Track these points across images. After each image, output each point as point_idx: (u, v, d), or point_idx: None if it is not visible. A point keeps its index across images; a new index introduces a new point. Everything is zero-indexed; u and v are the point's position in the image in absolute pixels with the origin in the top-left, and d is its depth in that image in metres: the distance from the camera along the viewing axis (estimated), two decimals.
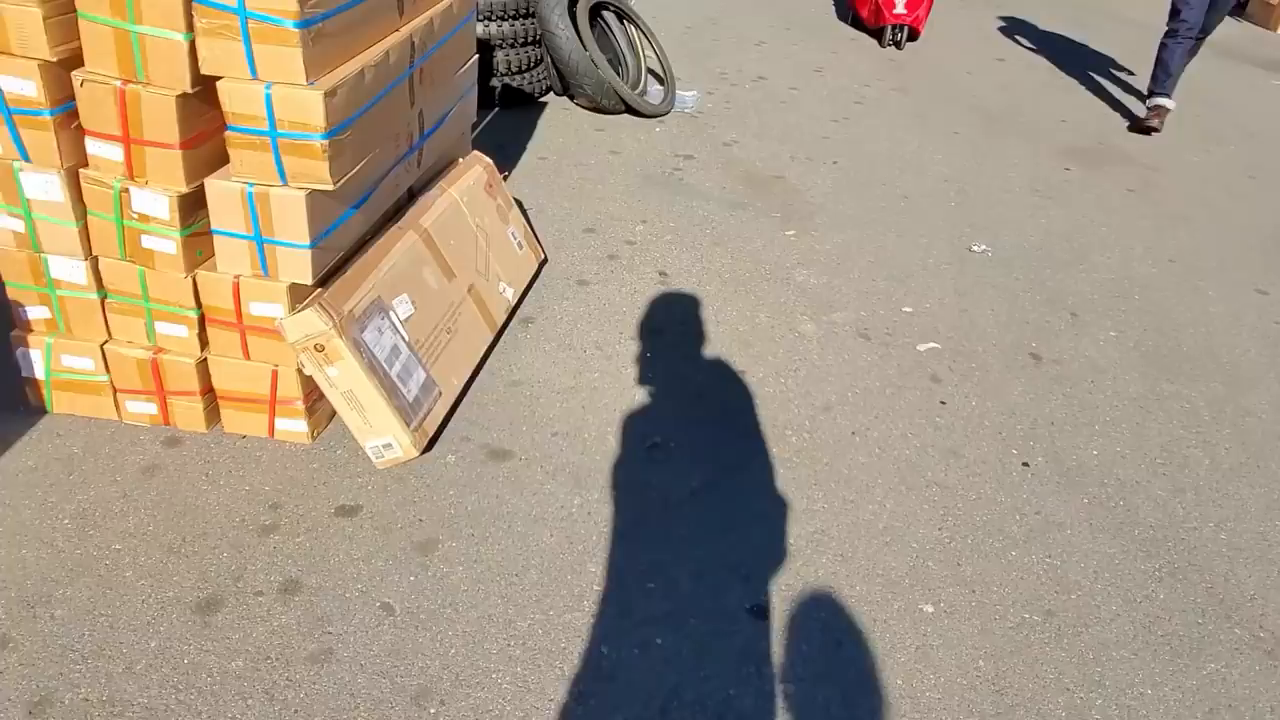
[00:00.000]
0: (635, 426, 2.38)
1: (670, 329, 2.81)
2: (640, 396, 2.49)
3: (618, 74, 4.43)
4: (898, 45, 5.78)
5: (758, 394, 2.54)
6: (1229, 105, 5.64)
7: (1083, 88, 5.56)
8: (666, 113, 4.49)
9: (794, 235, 3.44)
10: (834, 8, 7.01)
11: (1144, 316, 3.13)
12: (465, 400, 2.40)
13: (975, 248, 3.48)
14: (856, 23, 6.17)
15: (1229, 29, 7.73)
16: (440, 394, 2.26)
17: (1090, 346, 2.92)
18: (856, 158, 4.23)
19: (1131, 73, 5.74)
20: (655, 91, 4.63)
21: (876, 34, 5.87)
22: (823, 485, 2.24)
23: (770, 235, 3.43)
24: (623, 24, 4.71)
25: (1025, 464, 2.37)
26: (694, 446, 2.32)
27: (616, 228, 3.37)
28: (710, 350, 2.72)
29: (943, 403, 2.58)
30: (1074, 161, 4.45)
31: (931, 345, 2.84)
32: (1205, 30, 4.63)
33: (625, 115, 4.40)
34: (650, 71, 4.76)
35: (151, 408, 2.19)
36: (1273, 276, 3.51)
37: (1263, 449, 2.52)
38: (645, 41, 4.75)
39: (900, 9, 5.63)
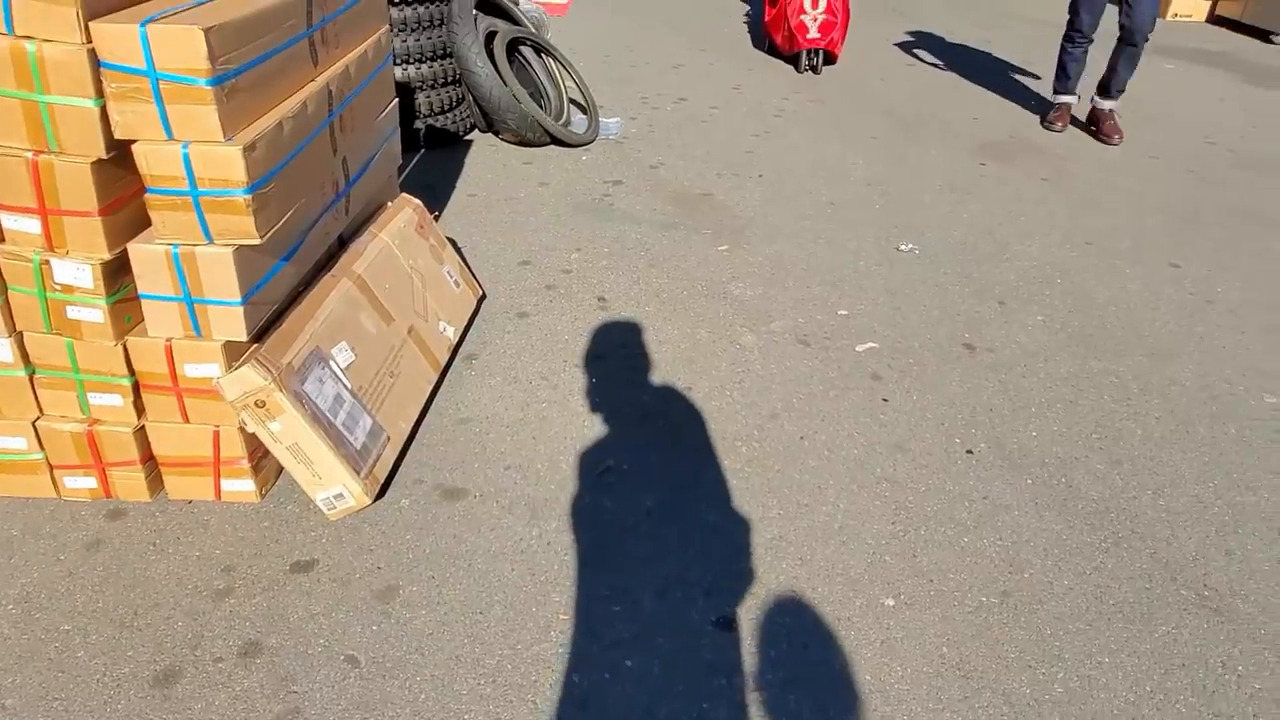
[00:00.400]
0: (586, 454, 2.39)
1: (613, 354, 2.83)
2: (589, 423, 2.50)
3: (540, 107, 4.47)
4: (814, 70, 5.81)
5: (704, 409, 2.57)
6: (1131, 92, 5.89)
7: (992, 88, 5.76)
8: (592, 141, 4.54)
9: (727, 250, 3.50)
10: (748, 31, 7.18)
11: (1067, 299, 3.24)
12: (414, 442, 2.39)
13: (902, 247, 3.58)
14: (772, 50, 6.20)
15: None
16: (388, 438, 2.25)
17: (1020, 333, 3.02)
18: (780, 170, 4.32)
19: (1037, 76, 5.97)
20: (579, 121, 4.69)
21: (792, 60, 5.90)
22: (776, 492, 2.27)
23: (704, 253, 3.48)
24: (541, 57, 4.76)
25: (969, 451, 2.44)
26: (646, 468, 2.34)
27: (552, 258, 3.39)
28: (654, 371, 2.75)
29: (885, 400, 2.64)
30: (988, 157, 4.60)
31: (869, 345, 2.91)
32: (1141, 33, 4.59)
33: (551, 147, 4.44)
34: (572, 102, 4.81)
35: (91, 481, 2.14)
36: (1184, 251, 3.66)
37: (1189, 415, 2.63)
38: (565, 72, 4.80)
39: (814, 34, 5.62)
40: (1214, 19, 8.12)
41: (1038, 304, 3.21)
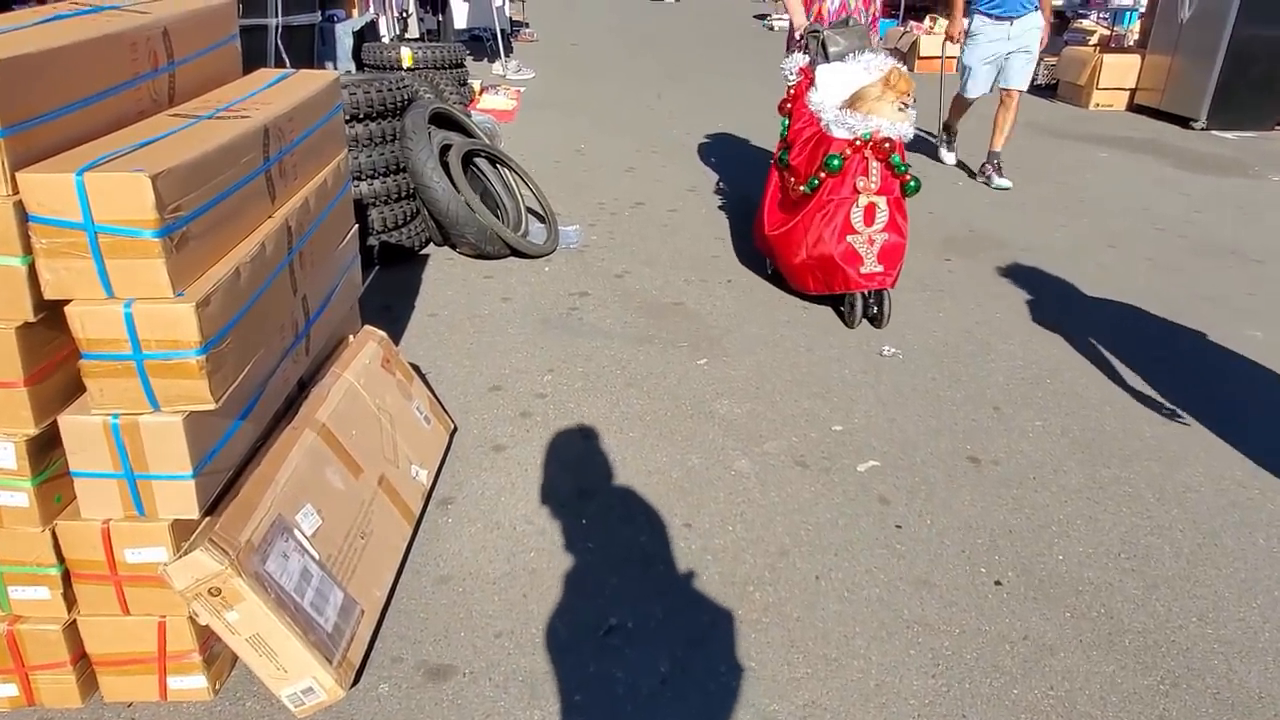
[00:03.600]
0: (586, 610, 2.14)
1: (601, 489, 2.61)
2: (584, 573, 2.26)
3: (498, 218, 4.33)
4: (875, 322, 3.64)
5: (708, 549, 2.36)
6: (1072, 180, 6.03)
7: (938, 179, 5.83)
8: (552, 251, 4.40)
9: (706, 364, 3.34)
10: (689, 132, 7.23)
11: (1060, 400, 3.14)
12: (390, 610, 2.11)
13: (885, 351, 3.46)
14: (776, 277, 4.03)
15: (1049, 111, 8.42)
16: (363, 613, 1.98)
17: (1021, 441, 2.89)
18: (749, 273, 4.22)
19: (972, 175, 6.07)
20: (538, 231, 4.56)
21: (835, 303, 3.77)
22: (799, 646, 2.05)
23: (683, 368, 3.31)
24: (496, 168, 4.65)
25: (998, 582, 2.26)
26: (654, 623, 2.10)
27: (523, 381, 3.18)
28: (648, 506, 2.53)
29: (898, 526, 2.46)
30: (952, 252, 4.59)
31: (871, 464, 2.74)
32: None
33: (511, 259, 4.28)
34: (530, 211, 4.69)
35: (11, 689, 1.82)
36: (1165, 342, 3.62)
37: (1213, 526, 2.50)
38: (520, 182, 4.69)
39: (872, 264, 3.48)
40: (1133, 107, 8.50)
41: (1032, 408, 3.09)
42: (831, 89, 3.58)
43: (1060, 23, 11.71)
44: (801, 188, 3.53)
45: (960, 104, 6.07)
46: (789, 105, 3.83)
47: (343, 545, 2.02)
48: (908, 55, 10.37)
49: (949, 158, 6.39)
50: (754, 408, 3.05)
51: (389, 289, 3.89)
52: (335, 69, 6.56)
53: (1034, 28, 5.51)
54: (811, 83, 3.67)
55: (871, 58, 3.60)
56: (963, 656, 2.02)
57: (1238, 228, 5.15)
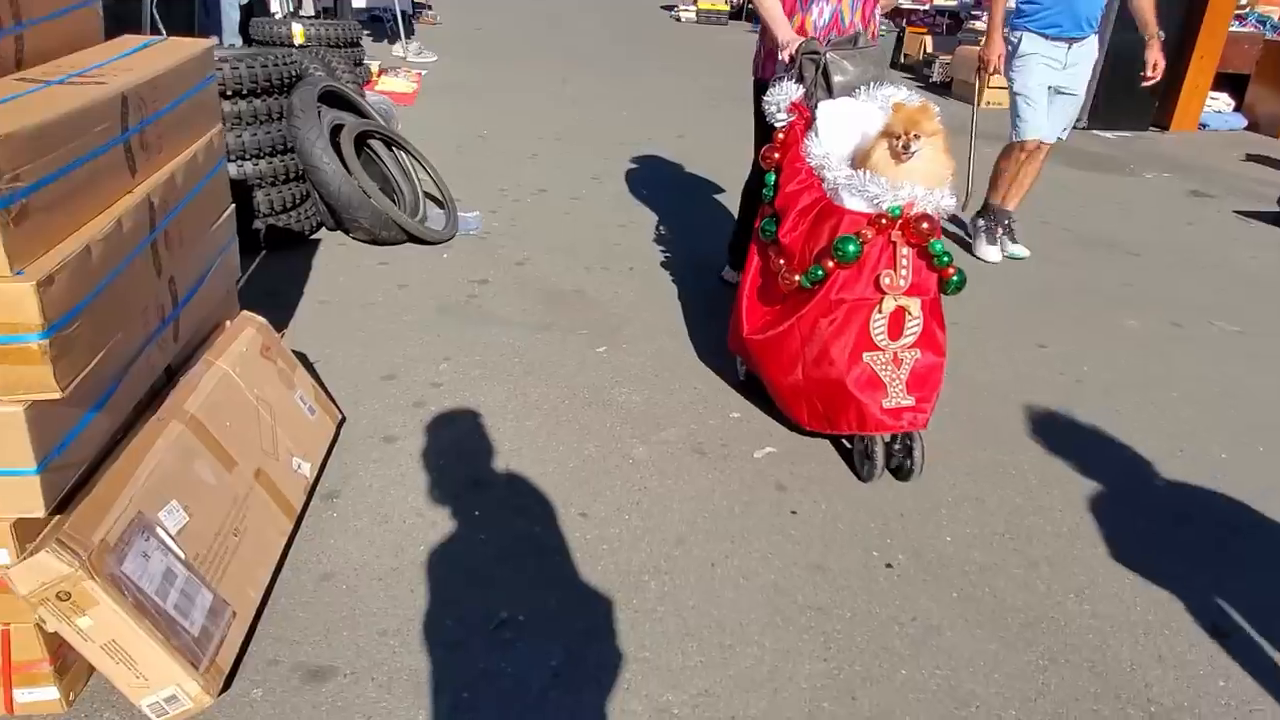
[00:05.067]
0: (476, 604, 2.07)
1: (496, 479, 2.54)
2: (476, 566, 2.19)
3: (395, 202, 4.19)
4: (901, 474, 2.61)
5: (604, 538, 2.32)
6: (963, 174, 6.21)
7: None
8: (451, 237, 4.29)
9: (605, 352, 3.30)
10: (594, 119, 7.18)
11: (950, 385, 3.20)
12: (267, 610, 2.00)
13: None
14: (752, 381, 3.00)
15: (942, 107, 8.68)
16: (234, 614, 1.86)
17: None
18: (651, 261, 4.20)
19: None
20: (436, 216, 4.43)
21: (839, 443, 2.78)
22: (694, 634, 2.03)
23: (582, 355, 3.26)
24: (392, 150, 4.50)
25: (889, 565, 2.29)
26: (547, 616, 2.05)
27: (418, 370, 3.08)
28: (544, 496, 2.47)
29: (794, 512, 2.47)
30: None
31: (768, 450, 2.75)
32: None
33: (408, 245, 4.15)
34: (428, 196, 4.56)
35: None
36: (1047, 331, 3.76)
37: (1091, 506, 2.60)
38: (418, 165, 4.55)
39: (902, 396, 2.48)
40: (977, 71, 8.82)
41: None
42: (838, 136, 2.59)
43: (954, 23, 12.12)
44: (798, 279, 2.45)
45: (1009, 161, 4.38)
46: (778, 156, 2.74)
47: (213, 544, 1.90)
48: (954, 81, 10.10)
49: (991, 253, 4.49)
50: (652, 395, 3.03)
51: (277, 274, 3.72)
52: (220, 43, 6.25)
53: (1089, 57, 4.23)
54: (809, 125, 2.67)
55: (892, 91, 2.60)
56: (854, 639, 2.04)
57: (1117, 222, 5.40)
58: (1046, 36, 4.14)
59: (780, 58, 2.90)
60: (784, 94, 2.79)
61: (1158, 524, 2.53)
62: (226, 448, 2.07)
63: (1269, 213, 5.60)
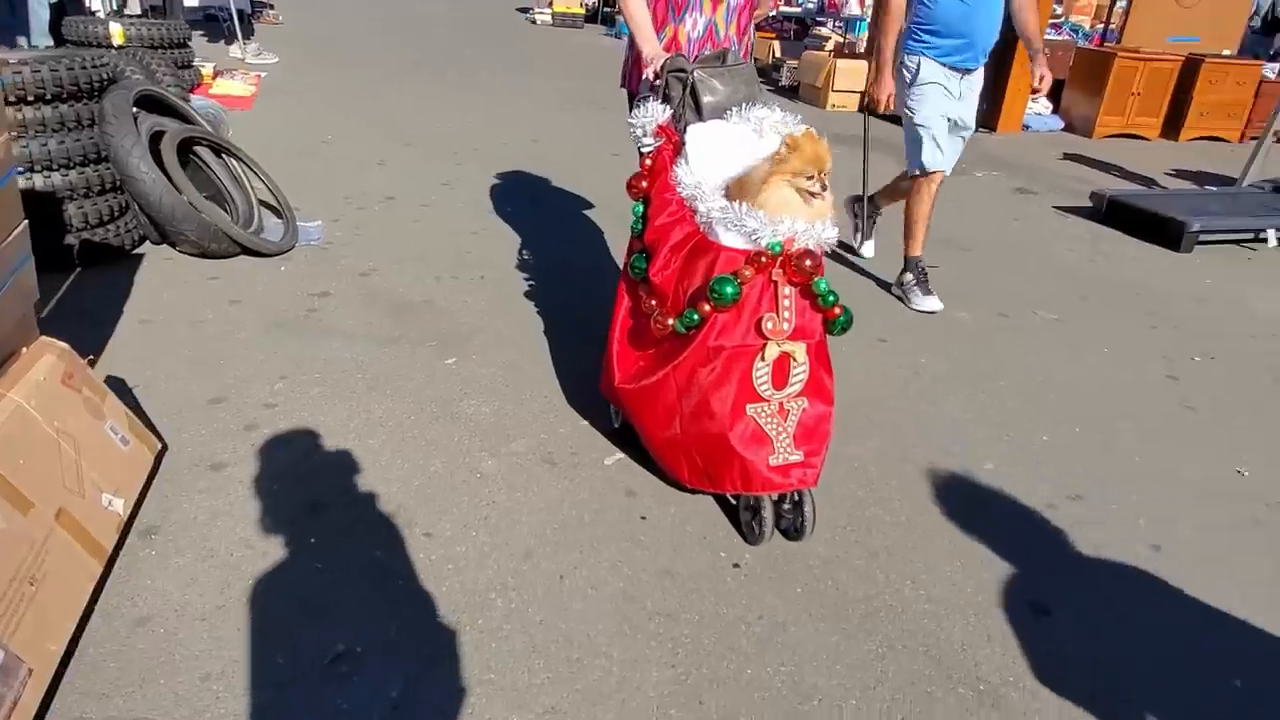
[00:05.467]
0: (310, 638, 1.97)
1: (335, 503, 2.42)
2: (311, 597, 2.08)
3: (227, 213, 3.96)
4: (790, 534, 2.40)
5: (449, 557, 2.25)
6: None
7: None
8: (291, 248, 4.09)
9: (455, 364, 3.22)
10: (446, 124, 7.04)
11: None
12: (74, 663, 1.84)
13: None
14: (629, 429, 2.69)
15: (790, 110, 8.97)
16: (30, 672, 1.70)
17: None
18: (504, 269, 4.13)
19: None
20: (274, 227, 4.22)
21: (726, 503, 2.52)
22: (541, 650, 1.99)
23: (430, 368, 3.17)
24: (220, 158, 4.26)
25: (736, 565, 2.32)
26: (387, 645, 1.97)
27: (251, 390, 2.91)
28: (386, 517, 2.38)
29: (643, 518, 2.47)
30: None
31: (619, 456, 2.74)
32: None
33: (243, 257, 3.94)
34: (264, 205, 4.34)
35: None
36: (884, 320, 3.92)
37: (924, 494, 2.71)
38: (250, 173, 4.32)
39: (790, 452, 2.25)
40: (864, 108, 9.22)
41: None
42: (709, 162, 2.38)
43: (800, 28, 12.55)
44: (672, 323, 2.24)
45: (920, 199, 4.15)
46: (644, 184, 2.53)
47: (4, 594, 1.72)
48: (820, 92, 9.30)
49: (930, 303, 4.15)
50: (502, 406, 2.97)
51: (93, 293, 3.45)
52: (28, 44, 5.76)
53: (979, 87, 4.06)
54: (678, 151, 2.46)
55: (766, 114, 2.45)
56: (701, 642, 2.05)
57: (952, 220, 5.69)
58: (944, 65, 3.90)
59: (645, 75, 2.65)
60: (649, 115, 2.54)
61: (986, 507, 2.67)
62: (20, 488, 1.89)
63: (1083, 208, 6.04)
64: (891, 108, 4.04)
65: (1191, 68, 9.03)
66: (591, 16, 15.67)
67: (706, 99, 2.52)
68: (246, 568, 2.16)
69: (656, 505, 2.53)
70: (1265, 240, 5.56)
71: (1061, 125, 9.27)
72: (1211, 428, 3.25)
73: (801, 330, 2.20)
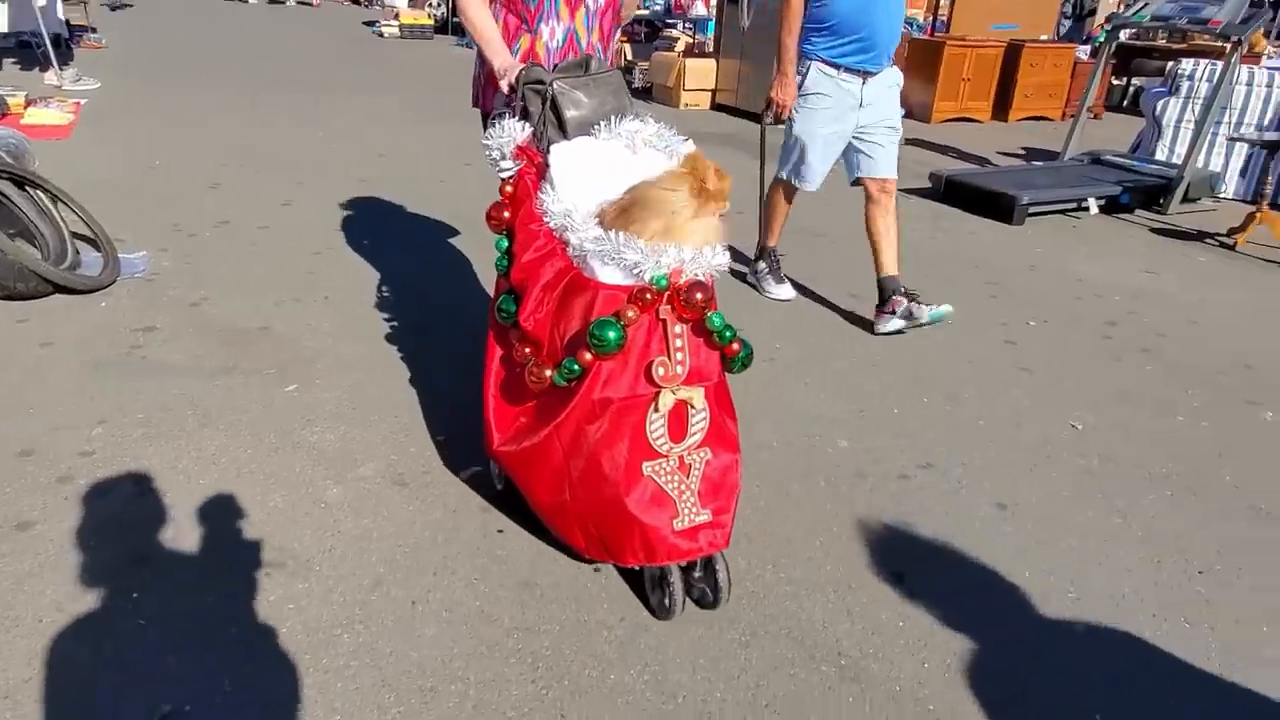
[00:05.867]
0: (133, 703, 1.80)
1: (161, 552, 2.24)
2: (135, 659, 1.91)
3: (36, 249, 3.65)
4: (703, 603, 2.14)
5: (290, 597, 2.11)
6: None
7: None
8: (111, 282, 3.81)
9: (296, 391, 3.05)
10: (287, 143, 6.76)
11: None
12: None
13: None
14: (512, 490, 2.36)
15: (644, 111, 9.04)
16: None
17: None
18: (350, 288, 3.97)
19: None
20: (92, 261, 3.92)
21: (631, 575, 2.22)
22: (392, 683, 1.88)
23: (268, 397, 2.99)
24: (25, 190, 3.92)
25: (596, 569, 2.26)
26: (219, 700, 1.82)
27: (64, 439, 2.67)
28: (220, 561, 2.21)
29: (500, 531, 2.39)
30: None
31: (474, 470, 2.64)
32: None
33: (57, 296, 3.64)
34: (80, 238, 4.02)
35: None
36: (745, 316, 3.96)
37: (782, 476, 2.73)
38: (62, 205, 4.00)
39: (698, 513, 2.01)
40: (716, 106, 9.40)
41: None
42: (579, 186, 2.12)
43: (651, 30, 12.67)
44: (549, 375, 1.97)
45: (779, 201, 4.10)
46: (506, 215, 2.26)
47: None
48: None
49: (782, 290, 4.17)
50: (349, 431, 2.83)
51: None
52: None
53: (893, 86, 3.78)
54: (542, 174, 2.20)
55: (639, 128, 2.24)
56: (562, 653, 1.99)
57: (805, 210, 5.81)
58: (839, 69, 3.58)
59: (499, 88, 2.41)
60: (507, 135, 2.25)
61: (842, 484, 2.71)
62: None
63: (923, 189, 6.30)
64: (788, 109, 3.74)
65: (1014, 53, 9.59)
66: (441, 27, 15.40)
67: (570, 113, 2.25)
68: (59, 634, 1.96)
69: (515, 517, 2.45)
70: (1087, 209, 5.94)
71: (903, 113, 9.65)
72: (1046, 388, 3.41)
73: (698, 372, 1.95)
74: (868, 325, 3.90)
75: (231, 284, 3.90)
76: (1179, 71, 6.90)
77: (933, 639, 2.10)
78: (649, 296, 1.86)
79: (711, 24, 11.47)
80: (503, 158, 2.27)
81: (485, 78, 2.70)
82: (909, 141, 8.30)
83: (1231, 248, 5.32)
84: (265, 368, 3.19)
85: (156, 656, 1.92)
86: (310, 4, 20.42)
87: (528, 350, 2.09)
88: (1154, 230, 5.71)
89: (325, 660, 1.93)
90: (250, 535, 2.31)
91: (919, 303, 3.73)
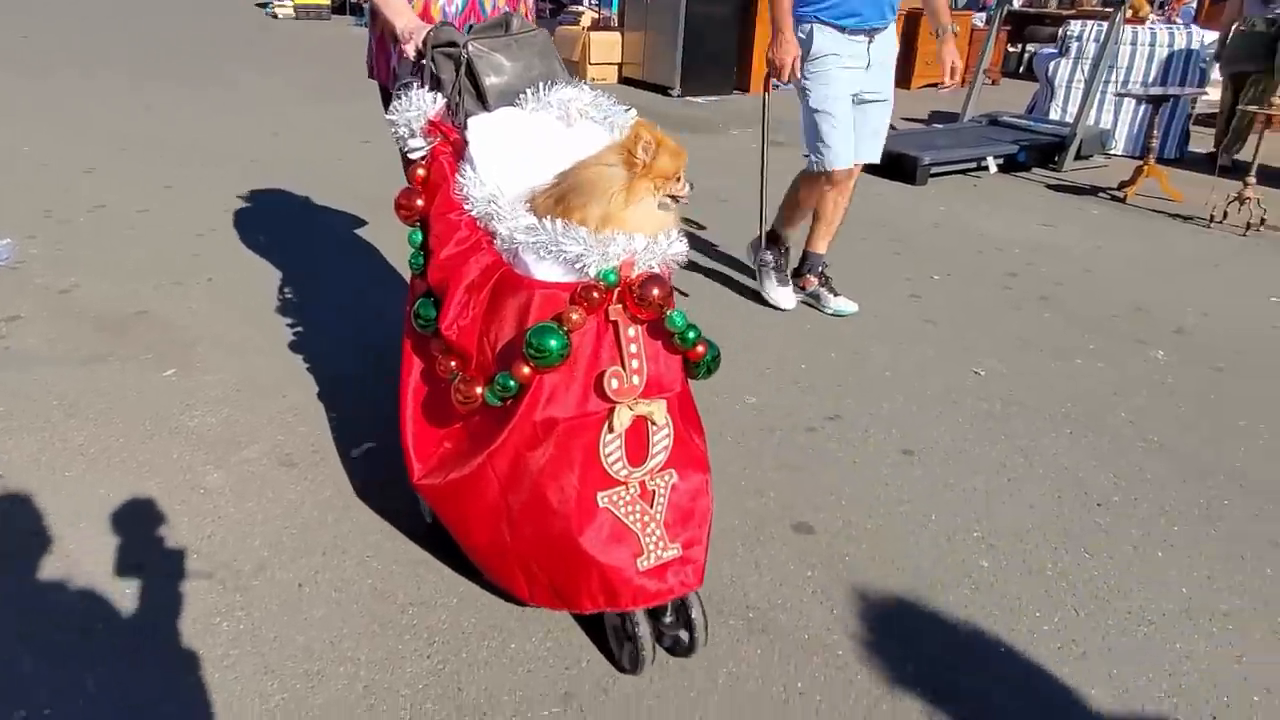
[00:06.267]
0: None
1: (20, 551, 2.06)
2: None
3: None
4: (678, 650, 1.84)
5: (165, 589, 1.96)
6: None
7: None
8: None
9: (175, 375, 2.87)
10: (171, 126, 6.42)
11: None
12: None
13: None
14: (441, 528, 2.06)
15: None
16: None
17: None
18: (237, 269, 3.76)
19: None
20: None
21: (590, 624, 1.91)
22: (275, 670, 1.76)
23: (143, 383, 2.80)
24: None
25: None
26: (84, 702, 1.67)
27: None
28: (85, 562, 2.04)
29: (396, 509, 2.27)
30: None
31: (368, 446, 2.52)
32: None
33: None
34: None
35: None
36: None
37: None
38: None
39: (657, 547, 1.69)
40: (623, 79, 9.30)
41: None
42: (504, 166, 1.81)
43: (555, 6, 12.48)
44: (480, 393, 1.68)
45: (811, 192, 3.48)
46: (420, 203, 1.93)
47: None
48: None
49: (784, 296, 3.64)
50: (233, 413, 2.67)
51: None
52: None
53: (892, 50, 3.34)
54: (459, 153, 1.89)
55: (574, 95, 1.93)
56: (460, 626, 1.90)
57: (717, 177, 5.78)
58: (844, 30, 3.16)
59: (404, 53, 2.08)
60: (415, 108, 1.93)
61: (750, 439, 2.67)
62: None
63: None
64: (797, 76, 3.21)
65: (913, 22, 9.71)
66: (340, 7, 14.89)
67: (490, 80, 1.93)
68: None
69: (410, 497, 2.33)
70: (986, 168, 6.05)
71: None
72: (950, 338, 3.44)
73: (657, 382, 1.65)
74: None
75: (106, 269, 3.65)
76: (1068, 33, 7.08)
77: (841, 586, 2.07)
78: (596, 295, 1.55)
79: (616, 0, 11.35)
80: (411, 135, 1.93)
81: (377, 43, 2.43)
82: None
83: (1122, 200, 5.48)
84: (141, 353, 2.99)
85: (15, 662, 1.75)
86: None
87: (453, 363, 1.76)
88: (1050, 186, 5.85)
89: (202, 651, 1.80)
90: (120, 528, 2.15)
91: (830, 290, 3.61)
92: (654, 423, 1.65)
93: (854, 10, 3.16)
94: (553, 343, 1.54)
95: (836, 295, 3.61)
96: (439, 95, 1.96)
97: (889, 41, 3.31)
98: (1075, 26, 7.07)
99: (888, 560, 2.16)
